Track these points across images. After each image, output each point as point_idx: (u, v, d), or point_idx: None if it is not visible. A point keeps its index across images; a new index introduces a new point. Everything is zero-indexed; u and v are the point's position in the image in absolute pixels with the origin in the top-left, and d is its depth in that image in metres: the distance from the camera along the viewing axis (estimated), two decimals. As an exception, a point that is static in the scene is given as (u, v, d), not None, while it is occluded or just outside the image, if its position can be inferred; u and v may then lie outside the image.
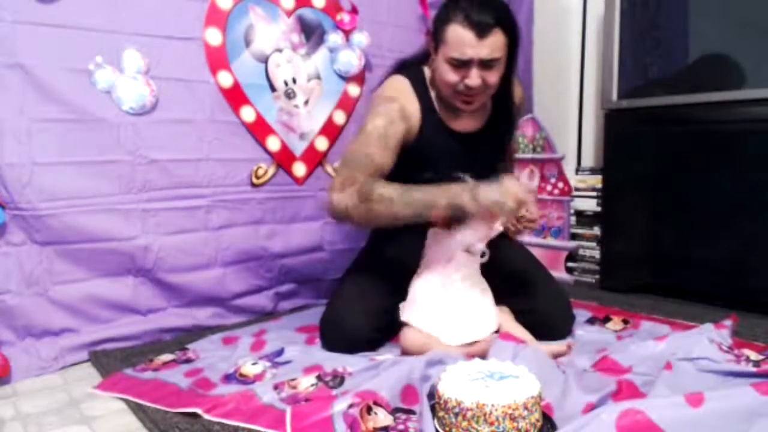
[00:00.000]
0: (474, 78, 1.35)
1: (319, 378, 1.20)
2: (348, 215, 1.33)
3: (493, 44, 1.32)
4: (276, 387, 1.17)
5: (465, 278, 1.38)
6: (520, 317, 1.41)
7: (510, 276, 1.47)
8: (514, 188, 1.20)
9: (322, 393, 1.14)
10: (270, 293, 1.82)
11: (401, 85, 1.48)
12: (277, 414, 1.06)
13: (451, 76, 1.37)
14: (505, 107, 1.53)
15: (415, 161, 1.43)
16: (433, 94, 1.48)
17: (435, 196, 1.26)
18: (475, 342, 1.33)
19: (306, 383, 1.19)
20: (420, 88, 1.48)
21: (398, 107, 1.41)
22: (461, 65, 1.34)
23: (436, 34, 1.39)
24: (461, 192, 1.23)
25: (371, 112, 1.44)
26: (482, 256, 1.35)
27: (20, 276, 1.41)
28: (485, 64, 1.34)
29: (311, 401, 1.08)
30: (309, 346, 1.39)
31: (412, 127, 1.43)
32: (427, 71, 1.50)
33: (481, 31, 1.30)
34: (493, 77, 1.37)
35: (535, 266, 1.58)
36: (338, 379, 1.20)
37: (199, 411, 1.09)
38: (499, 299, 1.44)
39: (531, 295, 1.45)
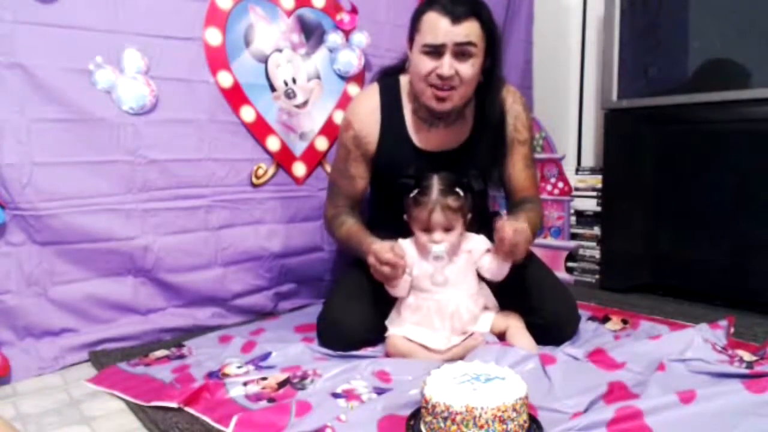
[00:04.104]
0: (446, 65, 1.31)
1: (287, 380, 1.22)
2: None
3: (468, 29, 1.31)
4: (245, 382, 1.20)
5: (448, 282, 1.36)
6: (528, 317, 1.40)
7: (516, 277, 1.46)
8: (379, 253, 1.29)
9: (287, 393, 1.16)
10: (270, 293, 1.81)
11: (366, 101, 1.50)
12: (233, 410, 1.08)
13: (424, 65, 1.34)
14: (488, 121, 1.46)
15: (381, 175, 1.52)
16: (406, 108, 1.47)
17: (356, 251, 1.46)
18: (459, 344, 1.34)
19: (274, 383, 1.20)
20: (390, 101, 1.47)
21: (352, 135, 1.50)
22: (435, 52, 1.32)
23: (411, 30, 1.39)
24: (365, 253, 1.36)
25: (339, 136, 1.57)
26: (437, 258, 1.32)
27: (20, 276, 1.41)
28: (459, 53, 1.32)
29: (270, 409, 1.08)
30: (304, 347, 1.39)
31: (368, 151, 1.50)
32: (403, 81, 1.48)
33: (456, 17, 1.30)
34: (467, 70, 1.33)
35: (540, 267, 1.57)
36: (307, 380, 1.21)
37: (173, 404, 1.12)
38: (506, 300, 1.44)
39: (538, 296, 1.44)
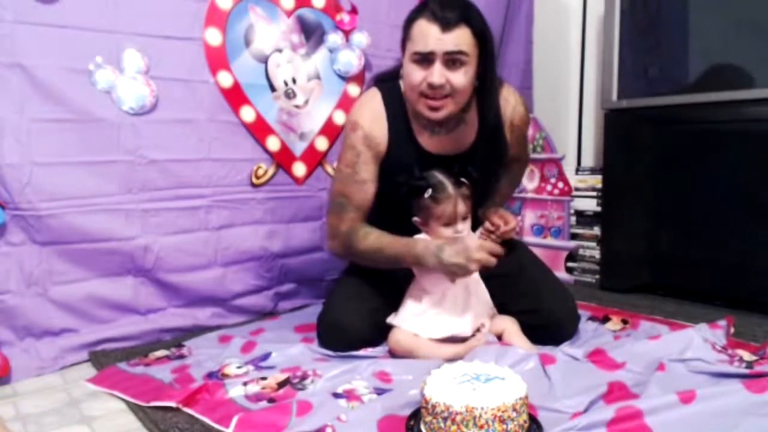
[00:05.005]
0: (436, 75, 1.29)
1: (287, 380, 1.21)
2: (344, 258, 1.53)
3: (458, 38, 1.28)
4: (245, 382, 1.20)
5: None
6: (528, 317, 1.40)
7: (515, 277, 1.46)
8: (475, 252, 1.28)
9: (288, 394, 1.16)
10: (270, 293, 1.82)
11: (371, 104, 1.46)
12: (232, 410, 1.08)
13: (414, 74, 1.32)
14: (490, 126, 1.44)
15: (389, 180, 1.45)
16: (409, 110, 1.45)
17: (403, 255, 1.36)
18: (463, 340, 1.35)
19: (274, 383, 1.20)
20: (393, 104, 1.45)
21: (361, 135, 1.42)
22: (425, 60, 1.30)
23: (403, 38, 1.37)
24: (426, 253, 1.31)
25: (343, 141, 1.49)
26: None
27: (20, 276, 1.41)
28: (450, 62, 1.30)
29: (271, 409, 1.08)
30: (304, 347, 1.40)
31: (379, 152, 1.44)
32: (403, 85, 1.45)
33: (446, 25, 1.27)
34: (459, 78, 1.31)
35: (540, 267, 1.57)
36: (307, 380, 1.21)
37: (173, 404, 1.12)
38: (505, 300, 1.44)
39: (538, 296, 1.44)
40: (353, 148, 1.43)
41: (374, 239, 1.40)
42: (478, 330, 1.37)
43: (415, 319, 1.38)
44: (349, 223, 1.43)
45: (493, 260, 1.29)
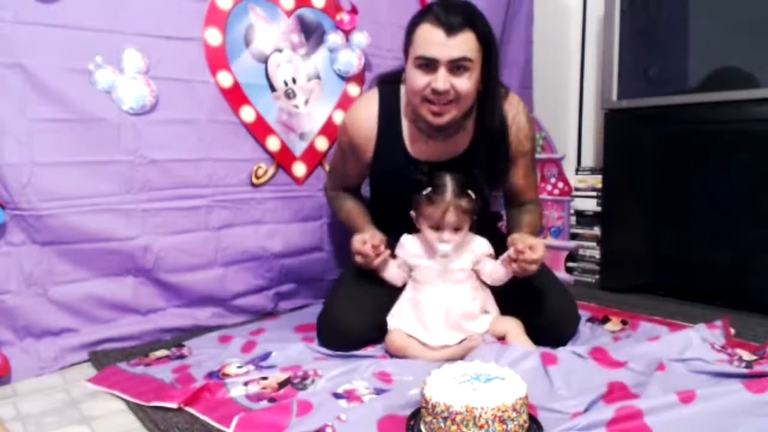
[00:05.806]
0: (441, 80, 1.28)
1: (288, 380, 1.21)
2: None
3: (463, 44, 1.28)
4: (246, 382, 1.20)
5: (452, 281, 1.38)
6: (528, 318, 1.40)
7: (516, 278, 1.46)
8: (355, 243, 1.40)
9: (288, 393, 1.15)
10: (270, 293, 1.82)
11: (364, 108, 1.49)
12: (233, 410, 1.08)
13: (418, 79, 1.31)
14: (486, 131, 1.43)
15: (378, 180, 1.57)
16: (404, 118, 1.45)
17: (352, 232, 1.49)
18: (457, 344, 1.34)
19: (274, 383, 1.20)
20: (389, 108, 1.45)
21: (347, 141, 1.52)
22: (429, 65, 1.29)
23: (406, 43, 1.36)
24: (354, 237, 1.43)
25: (338, 136, 1.63)
26: (444, 256, 1.35)
27: (20, 276, 1.41)
28: (454, 68, 1.29)
29: (271, 408, 1.08)
30: (304, 347, 1.40)
31: (364, 157, 1.51)
32: (403, 91, 1.45)
33: (450, 29, 1.26)
34: (463, 84, 1.30)
35: (540, 267, 1.57)
36: (308, 380, 1.21)
37: (173, 405, 1.12)
38: (506, 301, 1.44)
39: (538, 296, 1.43)
40: (341, 148, 1.57)
41: (344, 214, 1.61)
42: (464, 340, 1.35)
43: (403, 318, 1.39)
44: (334, 190, 1.68)
45: (360, 260, 1.39)
